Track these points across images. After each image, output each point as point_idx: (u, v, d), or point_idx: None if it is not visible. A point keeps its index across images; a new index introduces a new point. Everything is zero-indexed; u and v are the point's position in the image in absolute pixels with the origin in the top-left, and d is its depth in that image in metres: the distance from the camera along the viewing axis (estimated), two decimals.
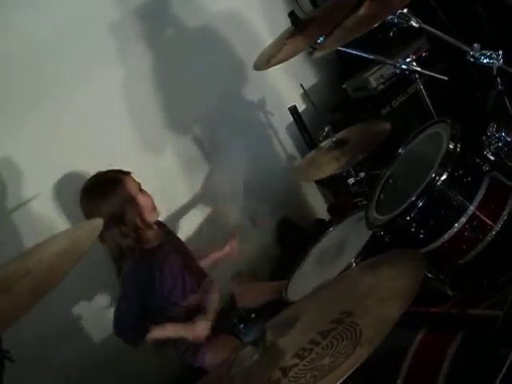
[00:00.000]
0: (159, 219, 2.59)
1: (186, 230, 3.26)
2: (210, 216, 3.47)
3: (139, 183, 2.41)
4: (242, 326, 1.26)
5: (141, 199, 2.36)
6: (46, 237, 2.49)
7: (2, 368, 1.22)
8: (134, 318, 2.33)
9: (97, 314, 2.90)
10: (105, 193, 2.31)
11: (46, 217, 2.85)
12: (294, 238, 3.67)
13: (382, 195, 2.18)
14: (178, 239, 2.69)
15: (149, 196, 2.42)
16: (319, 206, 3.91)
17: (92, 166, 2.87)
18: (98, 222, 1.31)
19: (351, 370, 0.88)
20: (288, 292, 2.34)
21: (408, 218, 1.87)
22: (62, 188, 2.92)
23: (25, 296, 1.13)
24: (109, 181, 2.34)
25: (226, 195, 3.42)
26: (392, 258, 1.32)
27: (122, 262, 2.35)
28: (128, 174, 2.39)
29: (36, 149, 2.82)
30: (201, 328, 2.35)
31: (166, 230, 2.62)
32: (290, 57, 2.55)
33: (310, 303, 1.38)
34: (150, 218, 2.41)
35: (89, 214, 2.29)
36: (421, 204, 1.84)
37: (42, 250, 1.29)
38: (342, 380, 0.87)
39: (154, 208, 2.43)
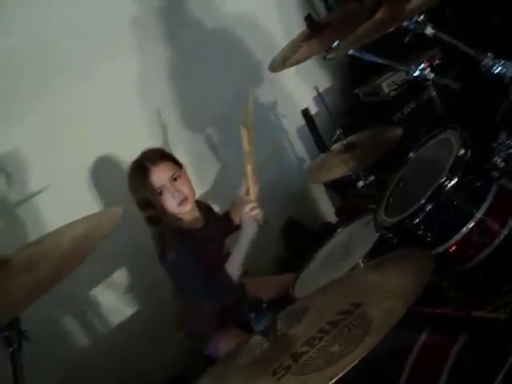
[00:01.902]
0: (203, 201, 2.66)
1: None
2: None
3: (176, 171, 2.38)
4: (253, 314, 1.29)
5: (167, 191, 2.34)
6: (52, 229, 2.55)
7: (20, 347, 1.25)
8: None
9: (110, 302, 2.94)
10: (132, 182, 2.37)
11: (52, 210, 2.87)
12: (300, 238, 3.70)
13: (391, 199, 2.22)
14: (222, 229, 2.65)
15: (180, 187, 2.37)
16: (327, 209, 3.94)
17: (101, 161, 2.97)
18: (118, 210, 1.35)
19: (361, 356, 0.92)
20: (295, 290, 2.37)
21: (416, 221, 1.90)
22: (69, 182, 2.94)
23: (45, 277, 1.17)
24: (137, 170, 2.36)
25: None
26: (399, 257, 1.36)
27: (162, 241, 2.36)
28: (160, 160, 2.37)
29: (43, 142, 2.85)
30: (250, 213, 2.34)
31: (209, 217, 2.60)
32: (305, 59, 2.59)
33: (318, 297, 1.41)
34: (178, 210, 2.38)
35: None
36: (429, 207, 1.88)
37: (62, 234, 1.33)
38: (352, 365, 0.91)
39: (183, 201, 2.36)
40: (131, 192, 2.37)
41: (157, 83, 3.35)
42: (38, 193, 2.83)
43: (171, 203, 2.35)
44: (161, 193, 2.34)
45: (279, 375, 1.04)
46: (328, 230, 3.42)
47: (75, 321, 2.87)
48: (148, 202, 2.33)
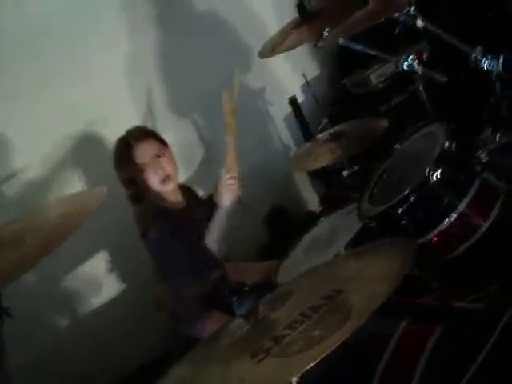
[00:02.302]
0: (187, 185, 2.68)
1: None
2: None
3: (160, 149, 2.40)
4: (234, 298, 1.30)
5: (150, 168, 2.35)
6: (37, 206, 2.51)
7: (1, 322, 1.25)
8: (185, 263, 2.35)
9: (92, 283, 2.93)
10: (116, 159, 2.40)
11: (37, 188, 2.85)
12: (282, 226, 3.71)
13: (375, 189, 2.23)
14: (202, 208, 2.62)
15: (163, 165, 2.38)
16: (310, 197, 3.96)
17: (88, 141, 2.95)
18: (103, 189, 1.35)
19: (341, 340, 0.93)
20: (278, 276, 2.39)
21: (400, 211, 1.92)
22: (54, 160, 2.92)
23: (31, 252, 1.17)
24: (122, 146, 2.39)
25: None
26: (382, 245, 1.37)
27: (144, 220, 2.37)
28: (144, 138, 2.39)
29: (28, 119, 2.81)
30: (228, 181, 2.41)
31: (189, 197, 2.62)
32: (295, 46, 2.59)
33: (300, 283, 1.42)
34: (160, 188, 2.39)
35: None
36: (413, 198, 1.90)
37: (49, 210, 1.33)
38: (332, 348, 0.92)
39: (166, 179, 2.38)
40: (115, 169, 2.39)
41: (146, 65, 3.32)
42: (22, 170, 2.79)
43: (154, 180, 2.36)
44: (144, 170, 2.35)
45: (259, 357, 1.05)
46: (311, 219, 3.45)
47: (56, 300, 2.86)
48: (131, 179, 2.35)
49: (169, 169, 2.39)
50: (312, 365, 0.91)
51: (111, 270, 3.06)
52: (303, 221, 3.64)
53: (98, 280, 2.96)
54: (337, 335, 0.96)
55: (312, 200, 3.94)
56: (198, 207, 2.61)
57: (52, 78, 2.86)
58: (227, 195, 2.41)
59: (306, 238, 2.62)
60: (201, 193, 3.44)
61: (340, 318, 1.01)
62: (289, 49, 2.59)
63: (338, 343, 0.93)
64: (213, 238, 2.41)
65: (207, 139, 3.57)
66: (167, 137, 3.30)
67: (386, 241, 1.47)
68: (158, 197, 2.41)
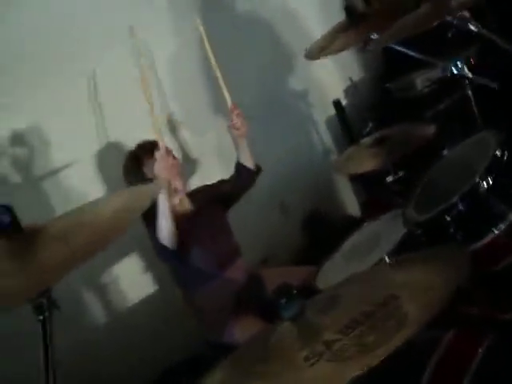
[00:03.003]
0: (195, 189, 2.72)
1: None
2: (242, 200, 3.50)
3: (175, 166, 2.45)
4: (283, 300, 1.29)
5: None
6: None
7: (50, 316, 1.27)
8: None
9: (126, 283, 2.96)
10: (126, 172, 2.56)
11: (76, 186, 2.88)
12: (321, 230, 3.69)
13: (421, 195, 2.20)
14: (213, 210, 2.67)
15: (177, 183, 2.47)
16: (351, 202, 3.93)
17: (123, 140, 2.97)
18: (156, 185, 1.35)
19: (397, 346, 0.92)
20: (318, 281, 2.37)
21: (447, 219, 1.89)
22: (92, 158, 2.96)
23: (82, 247, 1.18)
24: (131, 160, 2.54)
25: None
26: (435, 253, 1.35)
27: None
28: (153, 149, 2.39)
29: (66, 118, 2.82)
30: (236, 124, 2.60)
31: (199, 197, 2.65)
32: (342, 49, 2.58)
33: (347, 288, 1.40)
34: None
35: None
36: (462, 206, 1.87)
37: (100, 205, 1.33)
38: (387, 354, 0.90)
39: (175, 191, 2.47)
40: (125, 181, 2.53)
41: (190, 67, 3.33)
42: (61, 169, 2.83)
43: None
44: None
45: (312, 361, 1.03)
46: (351, 224, 3.42)
47: (94, 295, 2.89)
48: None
49: (176, 183, 2.46)
50: (366, 370, 0.90)
51: (145, 271, 3.08)
52: (342, 225, 3.61)
53: (131, 280, 2.97)
54: (392, 342, 0.94)
55: (352, 205, 3.92)
56: (209, 202, 2.64)
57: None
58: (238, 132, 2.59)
59: (347, 244, 2.59)
60: None
61: (395, 325, 1.00)
62: (336, 52, 2.57)
63: (393, 350, 0.91)
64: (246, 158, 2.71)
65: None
66: (208, 139, 3.35)
67: (436, 248, 1.44)
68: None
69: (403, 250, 2.15)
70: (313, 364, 1.02)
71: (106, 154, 2.97)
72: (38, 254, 1.22)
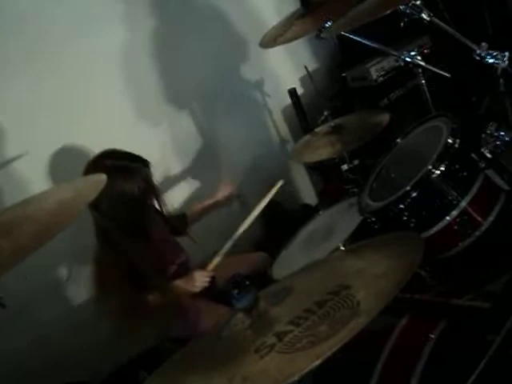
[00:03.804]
0: None
1: (176, 203, 3.26)
2: (200, 190, 3.47)
3: None
4: (236, 291, 1.27)
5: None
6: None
7: None
8: None
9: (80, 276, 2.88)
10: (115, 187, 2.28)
11: (29, 178, 2.82)
12: (278, 219, 3.68)
13: (375, 183, 2.21)
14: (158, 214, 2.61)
15: None
16: (307, 190, 3.93)
17: (82, 131, 2.91)
18: (102, 177, 1.31)
19: (349, 337, 0.90)
20: (274, 270, 2.36)
21: (401, 207, 1.90)
22: (48, 151, 2.89)
23: (25, 241, 1.13)
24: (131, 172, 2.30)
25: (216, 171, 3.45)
26: (388, 240, 1.34)
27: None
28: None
29: (24, 107, 2.78)
30: (200, 279, 2.33)
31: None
32: (297, 37, 2.55)
33: (300, 278, 1.39)
34: None
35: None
36: (415, 194, 1.88)
37: (45, 198, 1.28)
38: (339, 346, 0.89)
39: None
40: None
41: (141, 55, 3.28)
42: (15, 159, 2.75)
43: None
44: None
45: (262, 353, 1.02)
46: (307, 212, 3.42)
47: (49, 289, 2.82)
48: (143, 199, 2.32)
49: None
50: (318, 363, 0.88)
51: None
52: (299, 214, 3.61)
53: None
54: (344, 332, 0.93)
55: (309, 193, 3.92)
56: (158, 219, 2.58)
57: (43, 64, 2.82)
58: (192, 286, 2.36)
59: (303, 232, 2.59)
60: (195, 185, 3.43)
61: (347, 315, 0.99)
62: (291, 40, 2.54)
63: (346, 340, 0.90)
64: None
65: (203, 133, 3.54)
66: (162, 129, 3.30)
67: (389, 236, 1.43)
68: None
69: (358, 238, 2.17)
70: (263, 356, 1.01)
71: (61, 148, 2.90)
72: None
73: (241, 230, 2.49)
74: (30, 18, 2.80)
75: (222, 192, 2.73)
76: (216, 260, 2.42)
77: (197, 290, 2.33)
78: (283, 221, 3.61)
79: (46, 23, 2.85)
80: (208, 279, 2.35)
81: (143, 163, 2.33)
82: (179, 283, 2.37)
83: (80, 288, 2.83)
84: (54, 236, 1.15)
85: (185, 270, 2.43)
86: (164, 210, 2.45)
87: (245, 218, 2.57)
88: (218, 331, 1.30)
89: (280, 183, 2.64)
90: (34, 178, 2.82)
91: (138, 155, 2.36)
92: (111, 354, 2.89)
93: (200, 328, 2.39)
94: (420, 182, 1.88)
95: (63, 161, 2.90)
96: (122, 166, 2.27)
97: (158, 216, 2.52)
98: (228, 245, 2.45)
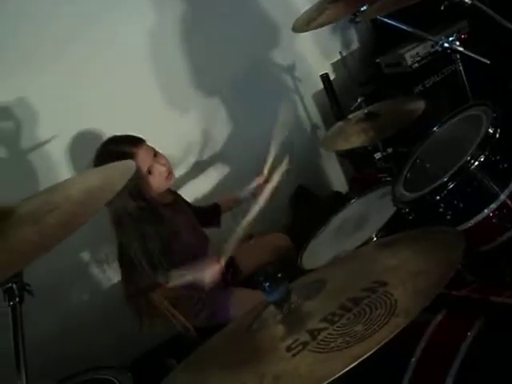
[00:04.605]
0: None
1: (202, 191, 3.23)
2: (228, 178, 3.44)
3: (153, 149, 2.31)
4: (267, 284, 1.23)
5: (156, 169, 2.27)
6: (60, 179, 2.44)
7: (21, 300, 1.20)
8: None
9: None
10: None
11: (61, 161, 2.81)
12: (308, 206, 3.64)
13: (409, 173, 2.14)
14: (188, 207, 2.60)
15: (164, 161, 2.31)
16: (337, 178, 3.87)
17: (111, 118, 2.88)
18: (132, 164, 1.28)
19: (387, 339, 0.86)
20: (303, 260, 2.32)
21: (437, 198, 1.83)
22: (77, 136, 2.90)
23: (53, 229, 1.10)
24: (121, 155, 2.18)
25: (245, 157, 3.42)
26: (427, 234, 1.29)
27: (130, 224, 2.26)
28: (141, 143, 2.28)
29: (56, 94, 2.78)
30: (212, 270, 2.23)
31: (176, 195, 2.56)
32: (331, 22, 2.50)
33: (334, 270, 1.35)
34: (166, 184, 2.34)
35: None
36: (452, 185, 1.81)
37: (72, 185, 1.26)
38: (376, 348, 0.85)
39: (170, 174, 2.33)
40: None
41: (170, 41, 3.24)
42: (46, 143, 2.75)
43: (160, 180, 2.29)
44: (149, 173, 2.26)
45: (295, 351, 0.98)
46: (338, 200, 3.37)
47: (75, 275, 2.82)
48: (136, 189, 2.21)
49: (167, 162, 2.34)
50: (355, 364, 0.84)
51: None
52: (329, 202, 3.56)
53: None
54: (382, 333, 0.88)
55: (339, 181, 3.86)
56: (185, 205, 2.56)
57: (75, 51, 2.80)
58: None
59: (334, 221, 2.54)
60: (224, 173, 3.40)
61: (384, 314, 0.94)
62: (324, 24, 2.48)
63: (383, 342, 0.85)
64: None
65: (232, 119, 3.49)
66: (188, 116, 3.26)
67: (425, 229, 1.37)
68: (149, 202, 2.29)
69: (392, 229, 2.11)
70: (295, 354, 0.97)
71: (90, 134, 2.89)
72: (6, 236, 1.15)
73: (249, 217, 2.40)
74: (65, 4, 2.78)
75: (255, 184, 2.66)
76: (228, 249, 2.30)
77: (208, 283, 2.23)
78: (312, 208, 3.57)
79: (79, 11, 2.84)
80: (217, 273, 2.24)
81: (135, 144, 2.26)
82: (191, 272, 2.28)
83: (106, 272, 2.83)
84: (80, 226, 1.12)
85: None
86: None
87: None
88: (248, 324, 1.26)
89: (286, 162, 2.52)
90: (62, 162, 2.82)
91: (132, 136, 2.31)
92: (138, 340, 2.88)
93: (230, 315, 2.37)
94: (458, 173, 1.81)
95: (91, 147, 2.89)
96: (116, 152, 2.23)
97: (182, 209, 2.47)
98: (238, 233, 2.36)
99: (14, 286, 1.20)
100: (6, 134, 2.71)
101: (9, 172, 2.69)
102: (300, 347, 0.98)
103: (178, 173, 3.10)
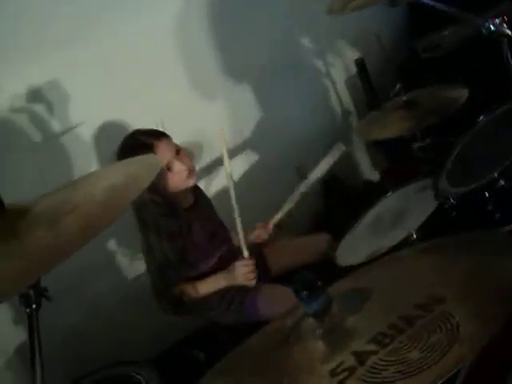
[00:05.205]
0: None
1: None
2: (256, 164, 3.33)
3: (177, 146, 2.20)
4: (305, 293, 1.12)
5: (176, 166, 2.15)
6: (90, 164, 2.32)
7: (38, 307, 1.11)
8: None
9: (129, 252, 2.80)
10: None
11: (91, 146, 2.73)
12: (340, 196, 3.52)
13: (452, 166, 2.00)
14: (210, 205, 2.48)
15: (186, 160, 2.20)
16: (369, 167, 3.74)
17: (137, 107, 2.78)
18: (157, 159, 1.17)
19: (451, 372, 0.74)
20: (338, 255, 2.20)
21: (486, 195, 1.70)
22: (105, 121, 2.78)
23: (73, 233, 1.00)
24: (140, 148, 2.10)
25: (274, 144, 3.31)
26: (482, 240, 1.15)
27: (147, 216, 2.20)
28: (163, 136, 2.18)
29: (87, 77, 2.67)
30: (240, 270, 2.18)
31: (199, 194, 2.43)
32: (368, 4, 2.36)
33: (379, 277, 1.22)
34: (185, 185, 2.22)
35: None
36: (503, 182, 1.68)
37: (93, 183, 1.14)
38: (441, 381, 0.73)
39: (191, 173, 2.21)
40: None
41: (198, 23, 3.11)
42: (77, 126, 2.68)
43: (178, 179, 2.18)
44: (169, 169, 2.15)
45: (340, 377, 0.86)
46: (370, 190, 3.24)
47: (100, 267, 2.74)
48: (154, 183, 2.14)
49: (190, 162, 2.23)
50: None
51: None
52: (362, 192, 3.43)
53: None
54: (445, 363, 0.76)
55: (371, 169, 3.72)
56: (207, 206, 2.45)
57: (103, 37, 2.70)
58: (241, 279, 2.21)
59: (370, 215, 2.40)
60: (253, 159, 3.28)
61: (445, 340, 0.81)
62: (361, 6, 2.35)
63: (447, 376, 0.73)
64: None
65: (262, 104, 3.36)
66: (215, 103, 3.14)
67: (481, 232, 1.23)
68: (169, 201, 2.21)
69: (432, 226, 1.98)
70: (341, 382, 0.85)
71: (117, 121, 2.79)
72: (21, 240, 1.05)
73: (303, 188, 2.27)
74: None
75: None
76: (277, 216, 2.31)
77: (240, 281, 2.19)
78: (344, 197, 3.45)
79: None
80: (250, 268, 2.19)
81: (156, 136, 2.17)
82: (219, 277, 2.25)
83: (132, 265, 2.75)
84: (106, 226, 1.01)
85: (227, 261, 2.28)
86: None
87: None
88: (285, 335, 1.15)
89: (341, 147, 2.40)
90: (88, 149, 2.73)
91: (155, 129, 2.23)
92: (165, 333, 2.80)
93: (259, 313, 2.28)
94: (510, 168, 1.67)
95: (117, 138, 2.82)
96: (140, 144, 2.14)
97: (201, 215, 2.36)
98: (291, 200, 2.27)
99: (31, 291, 1.10)
100: (39, 118, 2.63)
101: (43, 156, 2.61)
102: (346, 373, 0.86)
103: (205, 161, 3.03)
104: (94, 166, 2.66)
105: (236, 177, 3.20)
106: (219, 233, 2.39)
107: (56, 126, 2.64)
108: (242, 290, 2.30)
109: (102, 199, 1.06)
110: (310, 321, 1.10)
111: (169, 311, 2.27)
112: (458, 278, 0.97)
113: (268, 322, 1.45)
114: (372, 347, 0.89)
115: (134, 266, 2.76)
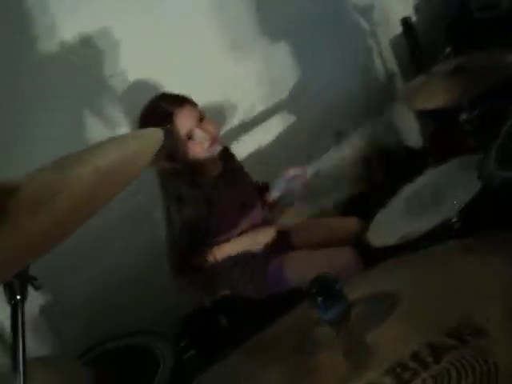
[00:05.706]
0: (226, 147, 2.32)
1: (261, 139, 3.02)
2: (292, 126, 3.16)
3: (201, 113, 2.11)
4: (321, 298, 0.98)
5: (197, 135, 2.07)
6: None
7: (23, 298, 0.98)
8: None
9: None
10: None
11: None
12: (382, 166, 3.36)
13: (504, 145, 1.80)
14: (242, 173, 2.39)
15: (209, 128, 2.11)
16: (411, 132, 3.53)
17: (173, 58, 2.69)
18: (159, 135, 1.02)
19: None
20: (370, 233, 2.06)
21: None
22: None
23: (67, 212, 0.88)
24: (160, 113, 2.06)
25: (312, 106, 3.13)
26: None
27: (169, 185, 2.14)
28: (186, 103, 2.09)
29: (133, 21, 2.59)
30: (264, 234, 2.18)
31: (229, 161, 2.34)
32: None
33: (414, 279, 1.04)
34: (207, 153, 2.12)
35: None
36: None
37: (85, 162, 1.01)
38: None
39: (214, 142, 2.12)
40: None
41: None
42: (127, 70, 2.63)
43: (199, 148, 2.10)
44: (190, 138, 2.07)
45: None
46: (410, 156, 3.08)
47: (119, 231, 2.64)
48: (174, 151, 2.07)
49: (213, 130, 2.13)
50: None
51: None
52: (405, 160, 3.24)
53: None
54: None
55: (413, 135, 3.51)
56: (238, 173, 2.36)
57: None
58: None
59: (405, 191, 2.23)
60: (289, 120, 3.12)
61: (478, 381, 0.66)
62: None
63: None
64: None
65: (301, 63, 3.19)
66: (255, 61, 2.97)
67: None
68: (192, 169, 2.14)
69: (476, 210, 1.80)
70: None
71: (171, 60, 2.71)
72: (9, 222, 0.93)
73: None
74: None
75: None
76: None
77: (260, 244, 2.18)
78: (384, 165, 3.29)
79: None
80: (272, 234, 2.18)
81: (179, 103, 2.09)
82: (239, 241, 2.20)
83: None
84: (96, 210, 0.88)
85: None
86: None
87: None
88: (304, 345, 1.02)
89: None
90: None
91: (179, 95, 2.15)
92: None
93: (287, 282, 2.18)
94: None
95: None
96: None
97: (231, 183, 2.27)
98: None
99: (16, 281, 0.98)
100: (89, 64, 2.59)
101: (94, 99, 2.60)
102: None
103: (236, 122, 2.93)
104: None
105: (271, 137, 3.10)
106: (250, 202, 2.30)
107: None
108: (261, 264, 2.23)
109: (92, 182, 0.93)
110: (326, 330, 0.96)
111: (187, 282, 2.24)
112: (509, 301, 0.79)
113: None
114: (387, 381, 0.74)
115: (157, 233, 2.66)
